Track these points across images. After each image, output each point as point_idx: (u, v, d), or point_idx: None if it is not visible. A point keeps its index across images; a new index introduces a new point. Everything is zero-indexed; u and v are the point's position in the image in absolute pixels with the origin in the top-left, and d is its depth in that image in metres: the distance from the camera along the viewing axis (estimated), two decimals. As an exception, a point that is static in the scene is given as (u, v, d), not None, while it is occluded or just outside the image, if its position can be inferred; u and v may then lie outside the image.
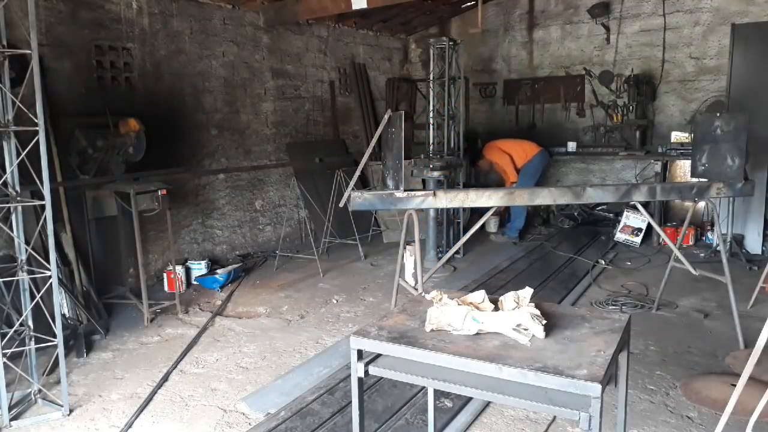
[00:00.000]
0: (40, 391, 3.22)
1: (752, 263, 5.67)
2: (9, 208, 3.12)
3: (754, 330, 3.76)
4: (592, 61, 7.83)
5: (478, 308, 1.96)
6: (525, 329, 1.83)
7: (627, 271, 5.75)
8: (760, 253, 6.12)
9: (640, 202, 3.70)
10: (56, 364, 3.22)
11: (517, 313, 1.88)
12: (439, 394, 2.83)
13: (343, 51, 7.79)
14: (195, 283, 5.41)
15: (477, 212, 3.77)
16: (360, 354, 1.89)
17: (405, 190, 3.31)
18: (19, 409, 3.13)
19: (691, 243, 6.62)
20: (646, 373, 3.46)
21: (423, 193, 3.39)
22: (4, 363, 2.95)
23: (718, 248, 5.46)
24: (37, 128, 2.93)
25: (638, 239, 6.70)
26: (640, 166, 7.35)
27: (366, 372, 1.88)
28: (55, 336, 3.10)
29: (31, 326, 3.21)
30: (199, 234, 5.95)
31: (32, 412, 3.14)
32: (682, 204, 7.10)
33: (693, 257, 5.76)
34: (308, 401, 3.15)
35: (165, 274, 5.28)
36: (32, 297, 3.16)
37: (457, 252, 6.06)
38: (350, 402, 2.05)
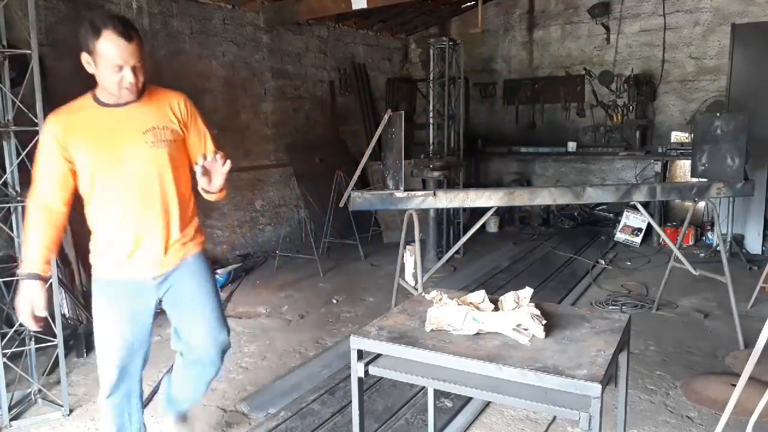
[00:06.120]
0: (40, 391, 3.21)
1: (752, 263, 5.67)
2: (9, 208, 3.12)
3: (754, 330, 3.76)
4: (592, 61, 7.82)
5: (478, 308, 1.96)
6: (525, 329, 1.83)
7: (627, 271, 5.75)
8: (760, 253, 6.12)
9: (640, 202, 3.70)
10: (56, 364, 3.22)
11: (517, 313, 1.88)
12: (439, 394, 2.83)
13: (343, 51, 7.78)
14: (195, 283, 5.39)
15: (477, 212, 3.77)
16: (360, 354, 1.89)
17: (405, 190, 3.31)
18: (19, 409, 3.13)
19: (691, 243, 6.62)
20: (646, 373, 3.46)
21: (423, 193, 3.40)
22: (4, 363, 2.95)
23: (718, 248, 5.46)
24: (37, 128, 2.93)
25: (638, 239, 6.70)
26: (640, 166, 7.35)
27: (366, 372, 1.88)
28: (55, 336, 3.10)
29: (31, 326, 3.20)
30: (199, 234, 5.94)
31: (32, 412, 3.14)
32: (682, 204, 7.09)
33: (693, 257, 5.75)
34: (308, 401, 3.15)
35: (165, 274, 5.27)
36: (32, 297, 3.16)
37: (457, 252, 6.05)
38: (350, 402, 2.04)
